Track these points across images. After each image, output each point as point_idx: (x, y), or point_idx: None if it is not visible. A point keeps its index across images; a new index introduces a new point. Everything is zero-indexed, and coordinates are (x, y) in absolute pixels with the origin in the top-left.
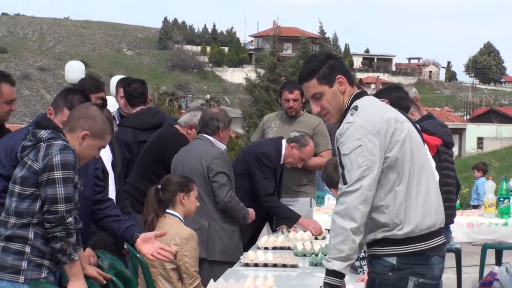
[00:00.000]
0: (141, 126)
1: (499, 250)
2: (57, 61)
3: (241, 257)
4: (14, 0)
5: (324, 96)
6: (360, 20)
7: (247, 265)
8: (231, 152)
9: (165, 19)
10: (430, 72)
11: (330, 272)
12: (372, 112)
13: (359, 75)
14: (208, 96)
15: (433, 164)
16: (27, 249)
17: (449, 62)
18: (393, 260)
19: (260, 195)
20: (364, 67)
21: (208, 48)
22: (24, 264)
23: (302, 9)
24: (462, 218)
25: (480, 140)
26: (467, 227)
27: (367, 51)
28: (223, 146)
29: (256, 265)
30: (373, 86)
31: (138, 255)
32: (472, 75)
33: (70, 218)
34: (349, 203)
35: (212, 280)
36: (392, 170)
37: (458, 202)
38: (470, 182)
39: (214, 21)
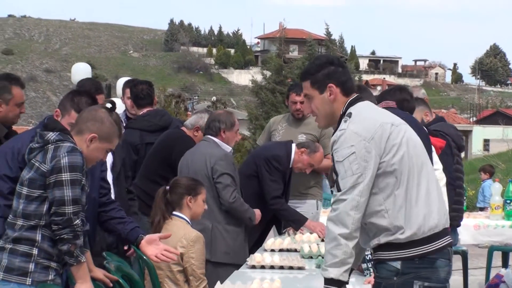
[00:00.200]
0: (148, 128)
1: (505, 252)
2: (63, 63)
3: (247, 259)
4: (20, 2)
5: (314, 100)
6: (366, 21)
7: (253, 267)
8: (237, 154)
9: (171, 21)
10: (436, 74)
11: (328, 281)
12: (366, 117)
13: (365, 77)
14: (214, 98)
15: (440, 166)
16: (35, 251)
17: (455, 64)
18: (397, 265)
19: (268, 197)
20: (370, 69)
21: (214, 50)
22: (31, 266)
23: (309, 11)
24: (468, 220)
25: (486, 142)
26: (474, 229)
27: (373, 53)
28: (228, 148)
29: (262, 267)
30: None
31: (144, 257)
32: (478, 77)
33: (77, 220)
34: (341, 209)
35: (218, 282)
36: (390, 174)
37: (464, 204)
38: (476, 184)
39: (220, 22)
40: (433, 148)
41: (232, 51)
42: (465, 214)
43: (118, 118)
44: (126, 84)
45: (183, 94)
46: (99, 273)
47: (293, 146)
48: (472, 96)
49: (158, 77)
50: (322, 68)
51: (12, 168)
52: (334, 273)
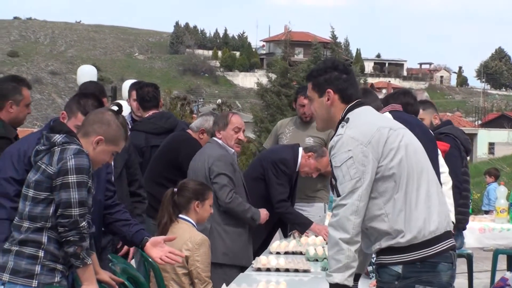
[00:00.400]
0: (153, 130)
1: (510, 255)
2: (69, 65)
3: (253, 261)
4: (26, 4)
5: (313, 102)
6: (372, 24)
7: (259, 269)
8: (242, 156)
9: (177, 23)
10: (442, 77)
11: (333, 286)
12: (363, 122)
13: (370, 80)
14: (219, 101)
15: (446, 169)
16: (41, 253)
17: (460, 67)
18: (398, 269)
19: (274, 200)
20: (375, 72)
21: (219, 53)
22: (38, 268)
23: (314, 13)
24: (474, 224)
25: (491, 146)
26: (479, 232)
27: (378, 56)
28: (231, 150)
29: (268, 269)
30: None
31: (150, 260)
32: (484, 80)
33: (84, 223)
34: (341, 215)
35: (224, 284)
36: (389, 179)
37: (470, 207)
38: (481, 188)
39: (226, 25)
40: (439, 151)
41: (238, 53)
42: (470, 218)
43: (124, 121)
44: (132, 86)
45: (188, 96)
46: (105, 275)
47: (300, 149)
48: (477, 99)
49: (164, 80)
50: (324, 73)
51: (18, 170)
52: (339, 278)
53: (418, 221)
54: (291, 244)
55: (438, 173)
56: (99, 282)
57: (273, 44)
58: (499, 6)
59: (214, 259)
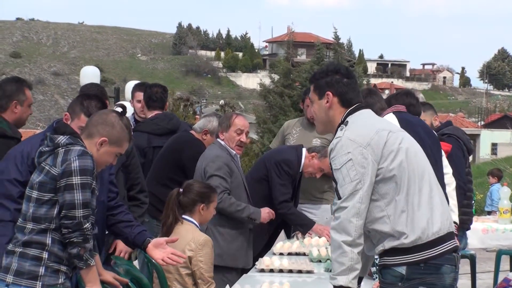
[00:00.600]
0: (156, 131)
1: None
2: (72, 66)
3: (256, 262)
4: (28, 4)
5: (314, 104)
6: (375, 25)
7: (262, 271)
8: (245, 157)
9: (180, 24)
10: (444, 77)
11: None
12: (363, 125)
13: (373, 81)
14: (222, 102)
15: (450, 170)
16: (45, 254)
17: (463, 68)
18: (402, 270)
19: (276, 201)
20: (378, 73)
21: (222, 54)
22: (42, 270)
23: (317, 14)
24: (477, 224)
25: (494, 146)
26: (482, 233)
27: (381, 56)
28: (232, 151)
29: (271, 270)
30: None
31: (153, 261)
32: (486, 81)
33: (87, 224)
34: (342, 217)
35: (227, 286)
36: (389, 181)
37: (473, 208)
38: (484, 188)
39: (228, 26)
40: (442, 152)
41: (240, 54)
42: (474, 218)
43: (128, 123)
44: (138, 87)
45: (191, 97)
46: (109, 276)
47: (304, 150)
48: (480, 100)
49: (166, 81)
50: (326, 75)
51: (22, 172)
52: (343, 280)
53: (421, 222)
54: (294, 245)
55: (442, 174)
56: (103, 283)
57: (276, 45)
58: (501, 7)
59: None
